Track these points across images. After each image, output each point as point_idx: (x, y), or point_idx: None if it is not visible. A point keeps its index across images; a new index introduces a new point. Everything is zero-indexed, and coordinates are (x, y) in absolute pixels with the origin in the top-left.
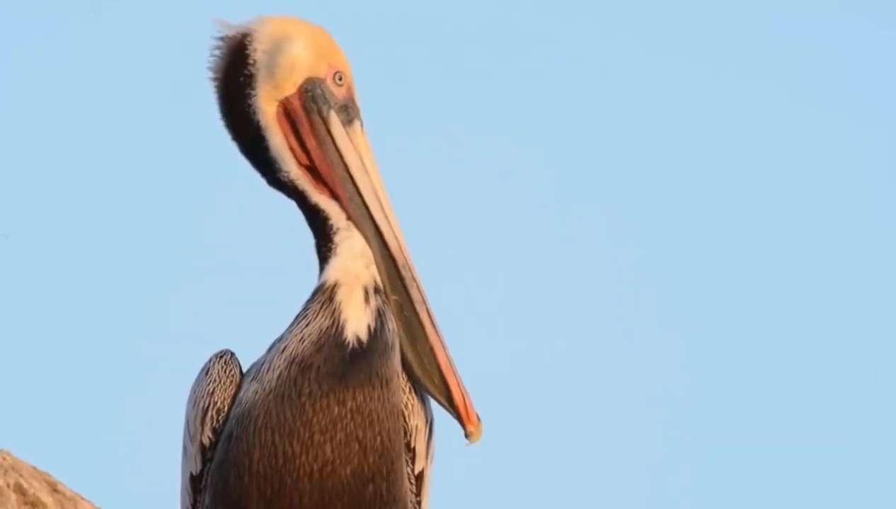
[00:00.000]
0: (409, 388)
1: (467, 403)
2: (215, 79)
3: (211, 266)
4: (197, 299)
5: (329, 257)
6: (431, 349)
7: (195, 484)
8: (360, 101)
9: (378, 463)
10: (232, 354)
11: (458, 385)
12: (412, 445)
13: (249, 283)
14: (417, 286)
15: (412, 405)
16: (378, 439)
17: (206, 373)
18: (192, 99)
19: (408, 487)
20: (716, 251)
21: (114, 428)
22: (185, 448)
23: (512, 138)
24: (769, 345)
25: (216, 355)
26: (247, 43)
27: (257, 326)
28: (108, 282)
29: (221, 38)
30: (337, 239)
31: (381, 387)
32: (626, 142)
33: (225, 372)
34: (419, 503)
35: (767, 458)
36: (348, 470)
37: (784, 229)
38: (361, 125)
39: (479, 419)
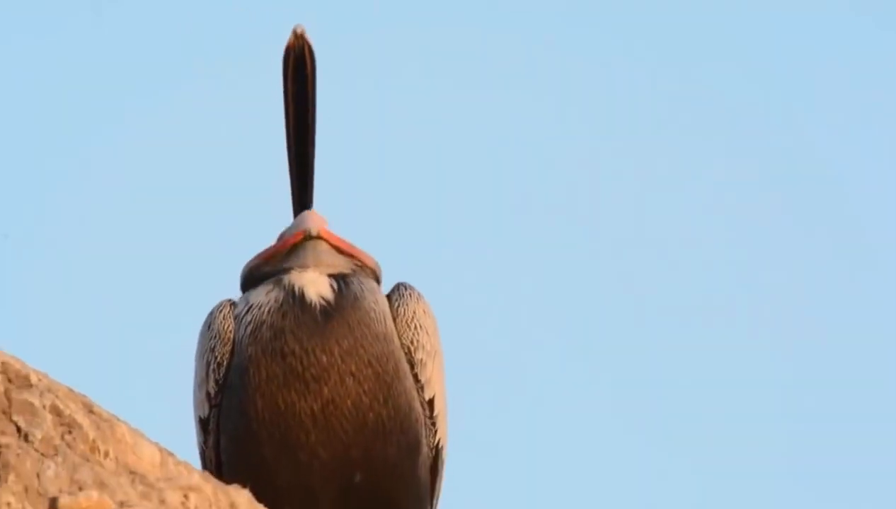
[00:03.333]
0: (415, 324)
1: None
2: None
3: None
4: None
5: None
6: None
7: (204, 426)
8: None
9: (374, 387)
10: (232, 305)
11: None
12: (419, 376)
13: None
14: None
15: (417, 340)
16: (369, 368)
17: (208, 328)
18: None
19: (418, 411)
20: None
21: (148, 352)
22: (193, 394)
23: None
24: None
25: (216, 307)
26: None
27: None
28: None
29: None
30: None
31: (365, 326)
32: None
33: (223, 326)
34: (434, 424)
35: (772, 451)
36: (349, 403)
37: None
38: None
39: None
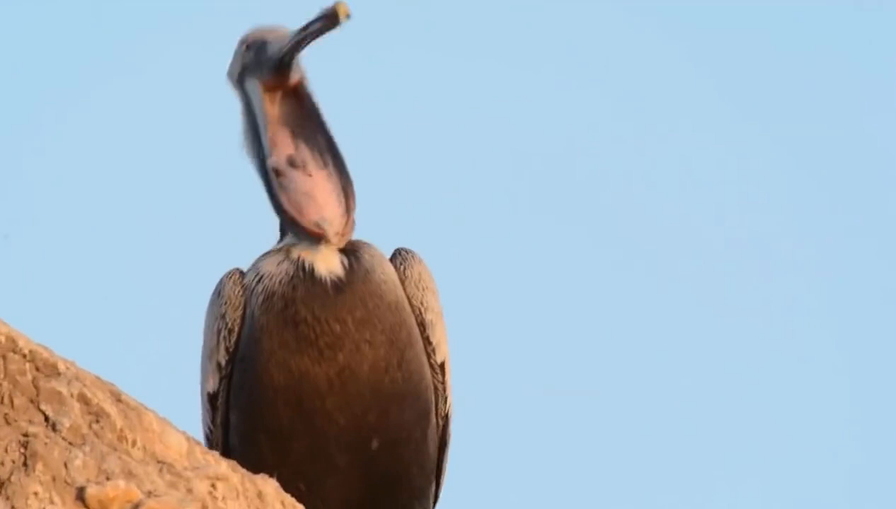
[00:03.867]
0: (422, 285)
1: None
2: None
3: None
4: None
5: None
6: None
7: (212, 401)
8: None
9: (389, 353)
10: (241, 273)
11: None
12: (430, 338)
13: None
14: None
15: (426, 301)
16: (384, 335)
17: (218, 295)
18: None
19: (428, 378)
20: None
21: (177, 341)
22: (202, 367)
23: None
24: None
25: (226, 275)
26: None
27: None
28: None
29: None
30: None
31: (378, 297)
32: None
33: (234, 292)
34: (444, 391)
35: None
36: (365, 368)
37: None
38: None
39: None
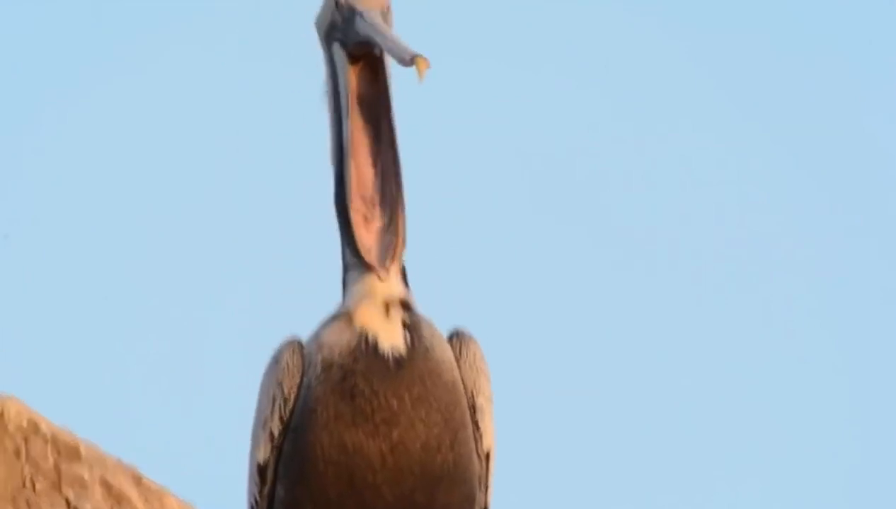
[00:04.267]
0: (476, 367)
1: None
2: None
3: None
4: (266, 288)
5: (346, 283)
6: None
7: (262, 472)
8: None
9: (442, 433)
10: (299, 343)
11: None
12: (479, 423)
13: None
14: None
15: (479, 384)
16: (439, 414)
17: (276, 363)
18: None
19: (476, 463)
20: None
21: (196, 422)
22: (254, 435)
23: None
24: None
25: (286, 343)
26: None
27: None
28: (179, 274)
29: None
30: (352, 272)
31: (436, 375)
32: None
33: (293, 362)
34: (487, 481)
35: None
36: (418, 446)
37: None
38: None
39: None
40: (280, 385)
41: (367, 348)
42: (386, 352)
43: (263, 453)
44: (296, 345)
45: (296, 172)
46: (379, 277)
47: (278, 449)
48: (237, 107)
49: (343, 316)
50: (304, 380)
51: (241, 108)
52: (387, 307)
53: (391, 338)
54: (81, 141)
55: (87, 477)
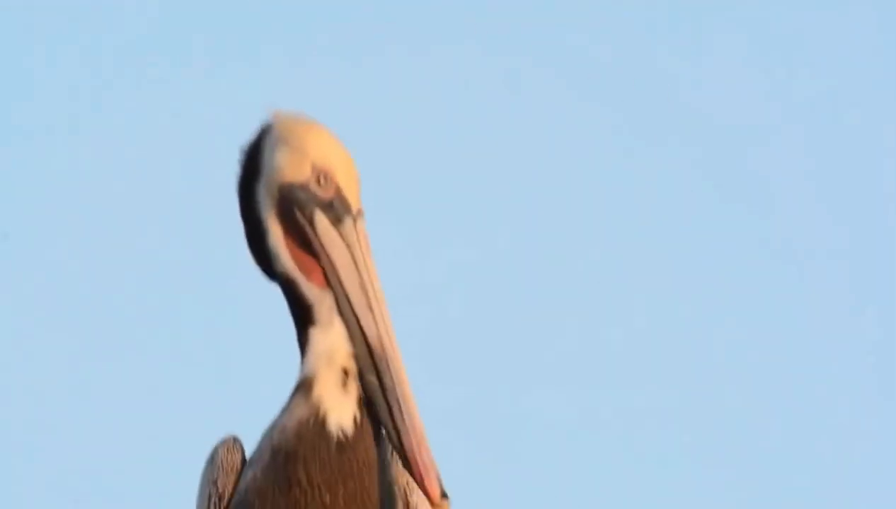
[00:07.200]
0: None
1: (431, 488)
2: (242, 161)
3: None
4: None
5: (305, 349)
6: (398, 433)
7: None
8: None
9: None
10: (235, 440)
11: (422, 466)
12: None
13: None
14: (391, 374)
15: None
16: None
17: (211, 461)
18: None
19: None
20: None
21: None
22: None
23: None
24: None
25: (220, 442)
26: (262, 136)
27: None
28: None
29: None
30: (313, 331)
31: (373, 473)
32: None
33: (227, 459)
34: None
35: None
36: None
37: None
38: (355, 221)
39: (444, 496)
40: (215, 483)
41: (314, 424)
42: (332, 431)
43: None
44: (230, 443)
45: None
46: None
47: None
48: None
49: (304, 386)
50: (248, 472)
51: None
52: (345, 374)
53: (339, 416)
54: (81, 141)
55: None
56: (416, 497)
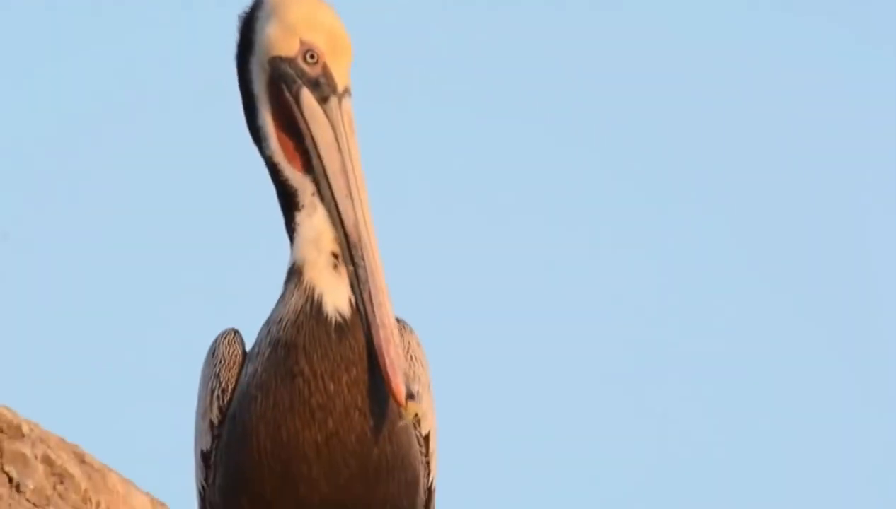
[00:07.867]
0: (411, 355)
1: (397, 387)
2: (238, 33)
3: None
4: (217, 272)
5: (294, 236)
6: (368, 325)
7: (206, 460)
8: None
9: (380, 425)
10: (235, 333)
11: (389, 367)
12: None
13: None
14: (366, 265)
15: (415, 372)
16: (377, 405)
17: (213, 354)
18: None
19: (416, 448)
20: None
21: (141, 402)
22: (196, 425)
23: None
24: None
25: (221, 335)
26: (256, 6)
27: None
28: (129, 264)
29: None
30: (299, 217)
31: (374, 357)
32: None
33: (229, 352)
34: (428, 463)
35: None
36: (353, 438)
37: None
38: (340, 100)
39: (410, 396)
40: (217, 376)
41: (311, 310)
42: (329, 314)
43: (206, 442)
44: (231, 335)
45: None
46: None
47: (219, 438)
48: None
49: (294, 273)
50: (249, 366)
51: None
52: (335, 257)
53: (335, 299)
54: (82, 141)
55: (29, 454)
56: (418, 386)
